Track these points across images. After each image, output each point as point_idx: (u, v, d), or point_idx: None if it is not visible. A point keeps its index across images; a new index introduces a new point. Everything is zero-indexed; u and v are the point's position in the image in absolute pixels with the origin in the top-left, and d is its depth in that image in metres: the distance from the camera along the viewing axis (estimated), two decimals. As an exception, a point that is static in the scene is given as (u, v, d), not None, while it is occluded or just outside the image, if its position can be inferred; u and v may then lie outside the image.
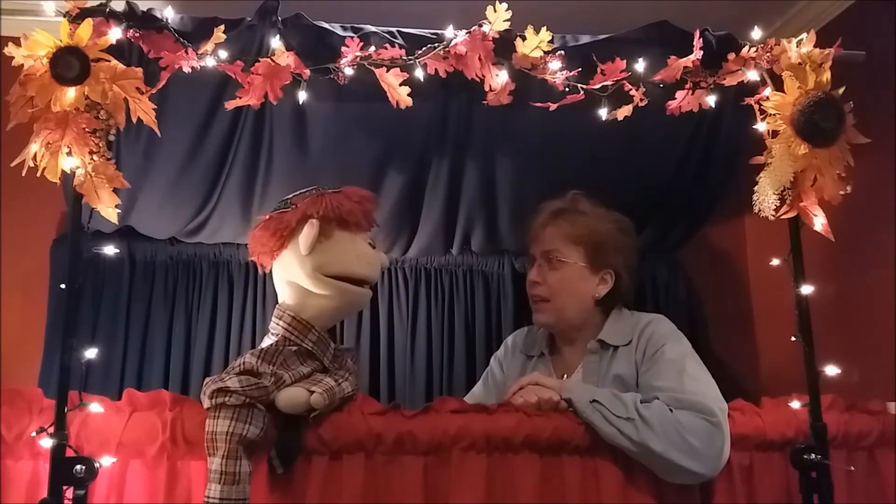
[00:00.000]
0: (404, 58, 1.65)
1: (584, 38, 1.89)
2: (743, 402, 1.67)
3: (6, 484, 1.44)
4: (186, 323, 2.39)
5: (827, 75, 1.66)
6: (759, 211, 1.67)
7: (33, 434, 1.43)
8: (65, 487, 1.38)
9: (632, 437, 1.50)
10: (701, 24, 1.77)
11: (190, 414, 1.46)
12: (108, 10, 1.52)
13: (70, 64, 1.43)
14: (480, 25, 1.65)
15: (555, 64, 1.70)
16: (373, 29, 1.81)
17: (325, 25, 1.82)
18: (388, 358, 2.46)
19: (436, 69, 1.66)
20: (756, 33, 1.75)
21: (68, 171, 1.46)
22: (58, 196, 2.07)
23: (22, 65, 1.44)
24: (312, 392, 1.45)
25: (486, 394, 1.93)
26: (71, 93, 1.44)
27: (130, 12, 1.56)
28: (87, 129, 1.46)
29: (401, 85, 1.65)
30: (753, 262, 2.77)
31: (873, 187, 2.04)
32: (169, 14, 1.59)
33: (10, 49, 1.45)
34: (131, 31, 1.55)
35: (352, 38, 1.66)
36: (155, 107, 1.51)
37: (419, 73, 1.66)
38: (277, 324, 1.59)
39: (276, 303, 1.68)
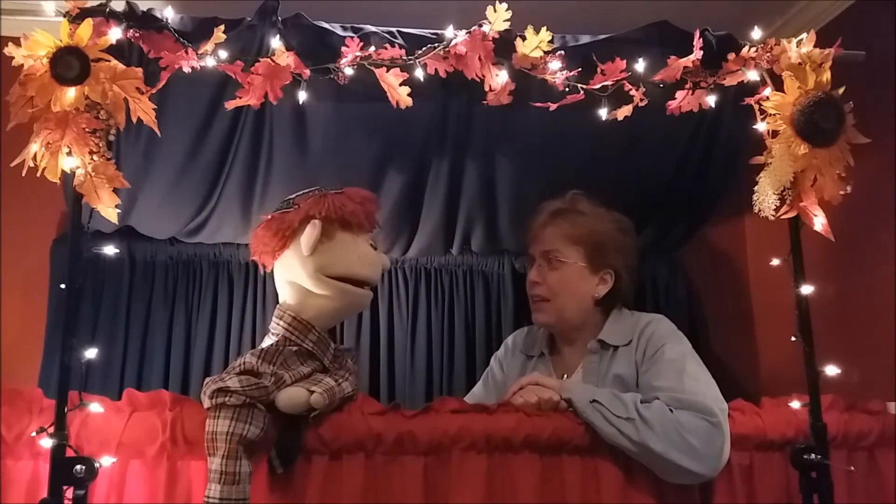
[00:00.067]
0: (404, 58, 1.65)
1: (584, 38, 1.89)
2: (743, 402, 1.67)
3: (6, 484, 1.44)
4: (186, 323, 2.39)
5: (827, 75, 1.66)
6: (759, 211, 1.67)
7: (33, 434, 1.42)
8: (65, 487, 1.38)
9: (632, 437, 1.50)
10: (701, 24, 1.77)
11: (190, 414, 1.46)
12: (108, 10, 1.51)
13: (70, 64, 1.43)
14: (480, 25, 1.65)
15: (555, 64, 1.70)
16: (373, 29, 1.81)
17: (325, 25, 1.82)
18: (388, 358, 2.46)
19: (436, 69, 1.66)
20: (756, 33, 1.75)
21: (68, 171, 1.46)
22: (58, 196, 2.07)
23: (22, 65, 1.44)
24: (312, 392, 1.45)
25: (486, 394, 1.93)
26: (71, 93, 1.44)
27: (130, 12, 1.56)
28: (87, 129, 1.46)
29: (401, 85, 1.65)
30: (753, 262, 2.77)
31: (873, 187, 2.04)
32: (169, 14, 1.59)
33: (10, 49, 1.45)
34: (131, 31, 1.55)
35: (352, 38, 1.66)
36: (155, 107, 1.51)
37: (419, 73, 1.66)
38: (278, 324, 1.59)
39: (277, 303, 1.68)
